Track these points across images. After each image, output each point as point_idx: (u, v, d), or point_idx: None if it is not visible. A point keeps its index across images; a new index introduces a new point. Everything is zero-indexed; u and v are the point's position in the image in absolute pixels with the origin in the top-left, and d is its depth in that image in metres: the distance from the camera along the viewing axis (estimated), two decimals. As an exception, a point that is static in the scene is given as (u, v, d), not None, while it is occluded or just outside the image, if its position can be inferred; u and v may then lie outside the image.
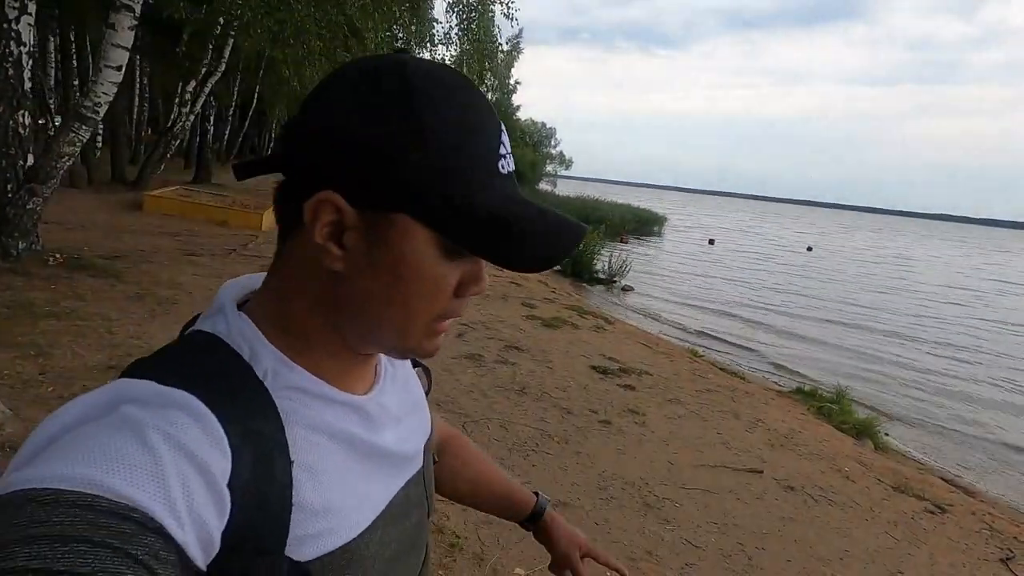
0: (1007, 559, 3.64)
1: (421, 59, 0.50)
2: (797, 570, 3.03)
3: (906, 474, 5.18)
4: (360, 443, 0.54)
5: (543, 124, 52.80)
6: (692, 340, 11.01)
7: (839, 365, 11.08)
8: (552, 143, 55.51)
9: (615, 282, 17.34)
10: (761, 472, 4.18)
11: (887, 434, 8.27)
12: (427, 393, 0.71)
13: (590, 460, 3.95)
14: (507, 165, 0.50)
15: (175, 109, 12.75)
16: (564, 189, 48.78)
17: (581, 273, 17.25)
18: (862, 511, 3.89)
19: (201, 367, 0.47)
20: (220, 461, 0.42)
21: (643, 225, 37.10)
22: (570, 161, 59.59)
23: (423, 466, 0.64)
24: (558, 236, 0.50)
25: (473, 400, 4.63)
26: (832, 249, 39.24)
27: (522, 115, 46.23)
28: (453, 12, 10.76)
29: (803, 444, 5.07)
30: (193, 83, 11.42)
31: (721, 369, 8.50)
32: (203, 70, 11.23)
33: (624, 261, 17.71)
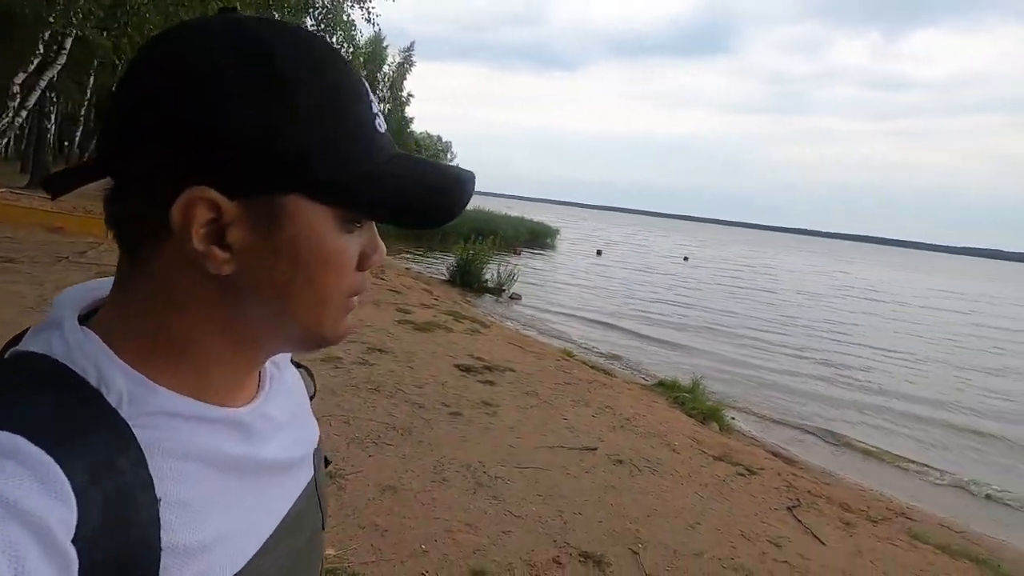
0: (792, 507, 4.20)
1: (266, 18, 0.44)
2: (606, 529, 3.31)
3: (733, 446, 5.80)
4: (243, 462, 0.48)
5: (438, 137, 52.99)
6: (571, 345, 11.54)
7: (703, 367, 12.17)
8: (448, 156, 55.74)
9: (503, 291, 17.74)
10: (595, 449, 4.50)
11: (733, 418, 9.19)
12: (312, 396, 0.67)
13: (431, 448, 4.03)
14: (382, 124, 0.47)
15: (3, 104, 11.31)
16: (461, 203, 49.03)
17: (470, 282, 17.45)
18: (679, 478, 4.31)
19: (31, 399, 0.39)
20: (61, 514, 0.35)
21: (537, 238, 38.28)
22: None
23: (315, 475, 0.60)
24: (455, 184, 0.47)
25: (319, 400, 4.54)
26: (706, 259, 42.98)
27: (416, 128, 46.12)
28: (308, 14, 10.59)
29: (643, 425, 5.50)
30: (22, 75, 10.19)
31: (591, 367, 8.98)
32: (35, 61, 10.07)
33: (513, 271, 18.16)
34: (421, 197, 0.46)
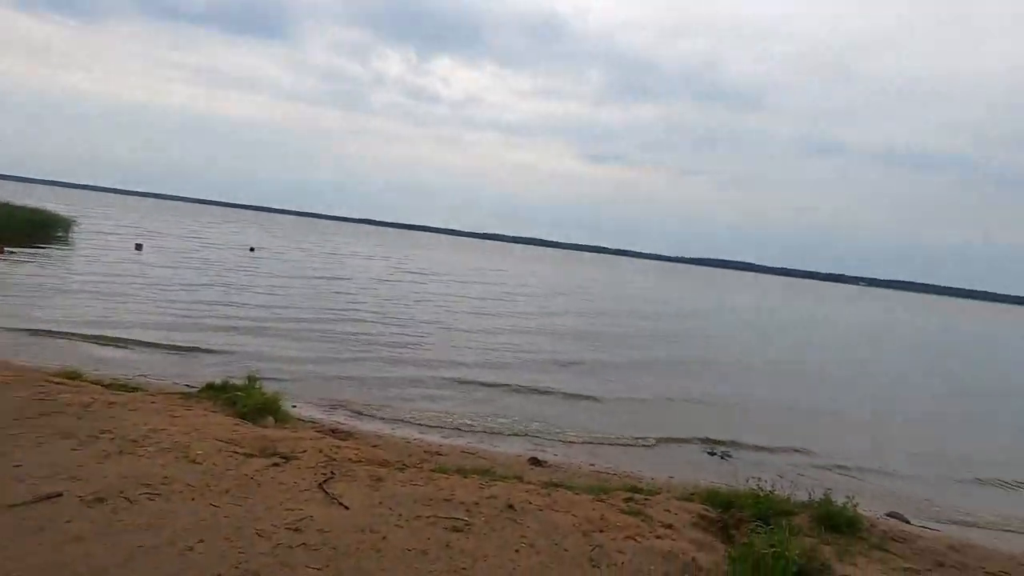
0: (325, 481, 4.12)
1: None
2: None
3: (275, 437, 5.42)
4: None
5: None
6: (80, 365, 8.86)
7: (274, 366, 11.38)
8: None
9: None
10: (60, 495, 3.32)
11: (295, 406, 8.94)
12: None
13: None
14: None
15: None
16: None
17: None
18: (192, 493, 3.62)
19: None
20: None
21: (37, 230, 28.80)
22: None
23: None
24: None
25: None
26: (275, 249, 41.50)
27: None
28: None
29: (158, 443, 4.49)
30: None
31: (104, 386, 7.05)
32: None
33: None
34: None
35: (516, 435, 8.62)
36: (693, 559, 3.90)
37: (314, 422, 7.98)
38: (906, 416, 13.71)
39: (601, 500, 4.91)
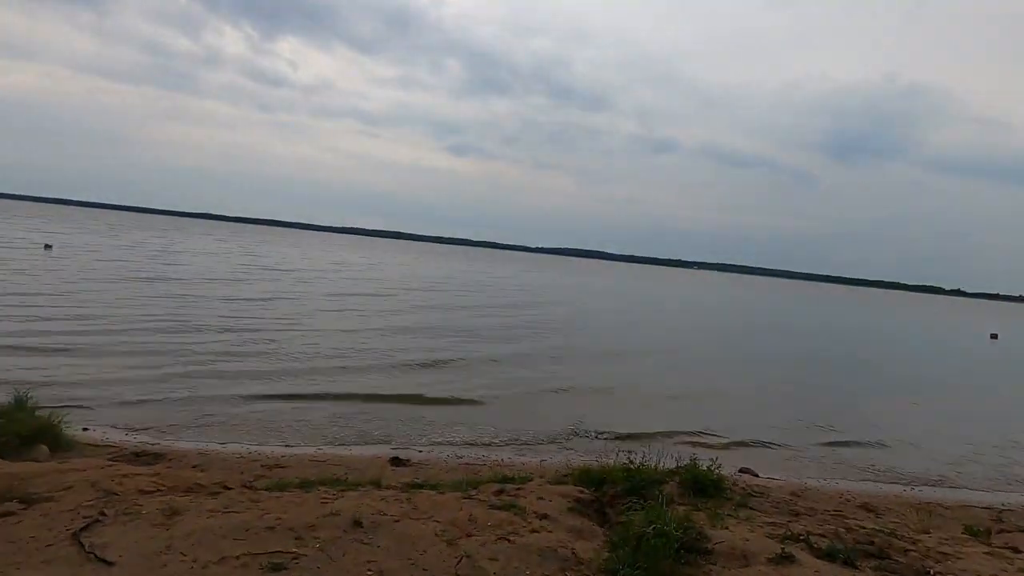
0: (83, 528, 2.96)
1: None
2: None
3: (27, 474, 3.99)
4: None
5: None
6: None
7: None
8: None
9: None
10: None
11: (86, 429, 7.10)
12: None
13: None
14: None
15: None
16: None
17: None
18: None
19: None
20: None
21: None
22: None
23: None
24: None
25: None
26: (77, 247, 34.79)
27: None
28: None
29: None
30: None
31: None
32: None
33: None
34: None
35: (379, 443, 7.63)
36: (573, 552, 3.44)
37: (112, 446, 6.34)
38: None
39: (469, 497, 4.29)
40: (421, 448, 7.39)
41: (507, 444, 7.92)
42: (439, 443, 7.68)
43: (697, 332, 25.57)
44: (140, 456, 6.08)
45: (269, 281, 27.41)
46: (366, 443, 7.43)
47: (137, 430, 7.35)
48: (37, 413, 7.05)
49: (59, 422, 6.56)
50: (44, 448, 5.81)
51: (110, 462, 5.17)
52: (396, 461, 6.69)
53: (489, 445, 7.81)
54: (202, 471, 5.85)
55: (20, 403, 7.01)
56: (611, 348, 17.60)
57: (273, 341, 13.17)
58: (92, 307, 15.19)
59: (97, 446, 6.31)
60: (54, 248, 31.89)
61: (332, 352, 12.69)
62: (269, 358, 11.55)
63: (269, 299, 20.58)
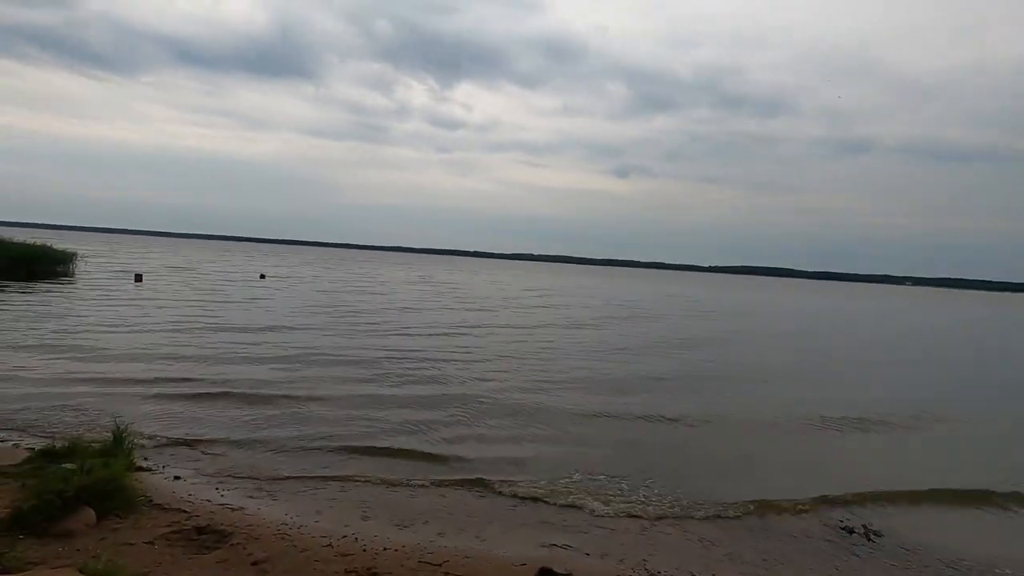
0: None
1: None
2: None
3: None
4: None
5: None
6: None
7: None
8: None
9: None
10: None
11: (177, 477, 5.80)
12: None
13: None
14: None
15: None
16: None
17: None
18: None
19: None
20: None
21: (34, 264, 27.12)
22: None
23: None
24: None
25: None
26: (281, 276, 39.07)
27: None
28: None
29: None
30: None
31: None
32: None
33: None
34: None
35: (528, 543, 5.14)
36: None
37: (182, 511, 4.79)
38: None
39: None
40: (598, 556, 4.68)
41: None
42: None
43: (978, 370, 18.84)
44: (203, 534, 4.40)
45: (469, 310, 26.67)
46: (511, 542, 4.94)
47: (241, 477, 5.86)
48: (134, 456, 5.99)
49: (128, 471, 5.26)
50: (90, 513, 4.40)
51: (152, 543, 3.46)
52: (547, 574, 4.12)
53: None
54: (263, 573, 3.91)
55: (117, 440, 6.00)
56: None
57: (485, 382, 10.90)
58: (304, 332, 15.39)
59: (165, 509, 4.80)
60: (266, 276, 36.12)
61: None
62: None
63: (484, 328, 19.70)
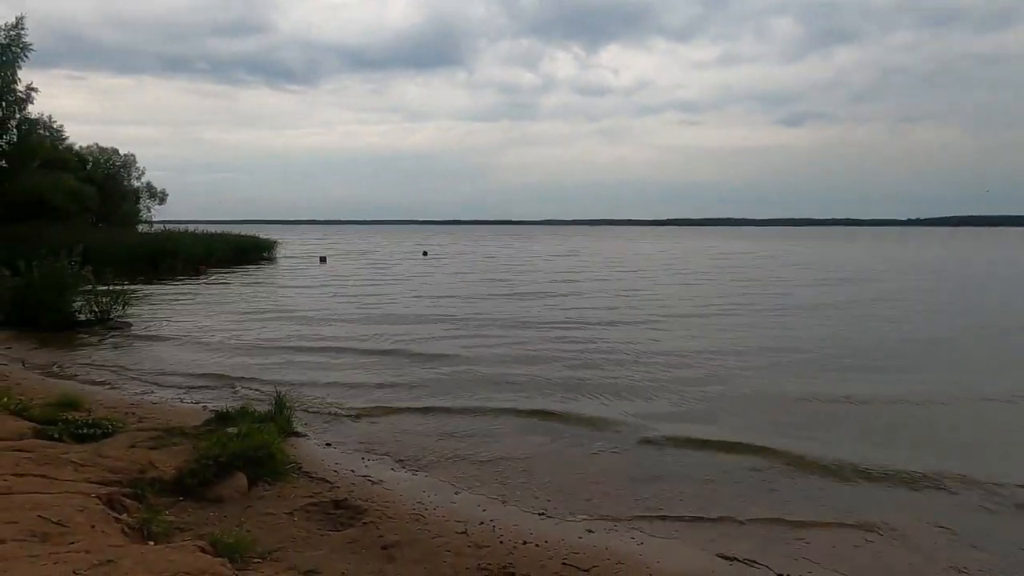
0: None
1: None
2: None
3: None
4: None
5: (114, 150, 41.68)
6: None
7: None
8: (134, 174, 44.47)
9: (108, 321, 12.26)
10: None
11: (328, 444, 5.85)
12: None
13: None
14: None
15: None
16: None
17: (36, 318, 11.48)
18: None
19: None
20: None
21: (245, 253, 32.29)
22: (163, 194, 48.25)
23: None
24: None
25: None
26: (442, 254, 41.28)
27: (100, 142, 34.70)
28: None
29: None
30: None
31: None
32: None
33: (121, 295, 12.74)
34: None
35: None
36: None
37: (326, 480, 4.72)
38: None
39: None
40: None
41: None
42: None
43: None
44: (339, 508, 4.23)
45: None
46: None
47: (387, 446, 5.76)
48: (294, 422, 6.23)
49: (284, 436, 5.37)
50: (242, 479, 4.47)
51: (291, 514, 3.33)
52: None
53: None
54: (391, 559, 3.56)
55: (279, 406, 6.27)
56: None
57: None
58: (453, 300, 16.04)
59: (312, 478, 4.77)
60: (428, 254, 38.50)
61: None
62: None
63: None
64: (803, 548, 3.87)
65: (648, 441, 5.83)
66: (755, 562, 3.69)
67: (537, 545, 3.79)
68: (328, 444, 5.76)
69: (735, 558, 3.74)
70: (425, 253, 39.50)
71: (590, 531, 4.07)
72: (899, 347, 10.43)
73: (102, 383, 7.92)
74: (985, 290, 20.72)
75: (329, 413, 6.76)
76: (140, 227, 36.93)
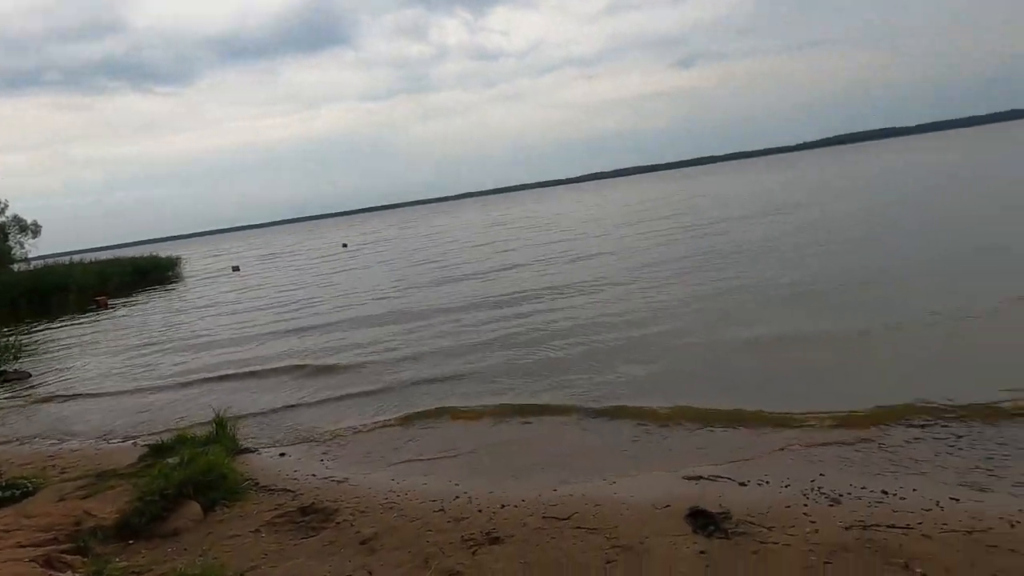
0: None
1: None
2: None
3: None
4: None
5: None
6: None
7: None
8: (-9, 211, 39.75)
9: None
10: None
11: (282, 455, 5.60)
12: None
13: None
14: None
15: None
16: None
17: None
18: None
19: None
20: None
21: (146, 276, 29.81)
22: (35, 226, 43.44)
23: None
24: None
25: None
26: (361, 244, 39.77)
27: None
28: None
29: None
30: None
31: None
32: None
33: (9, 346, 11.41)
34: None
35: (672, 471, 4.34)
36: None
37: (288, 490, 4.52)
38: None
39: None
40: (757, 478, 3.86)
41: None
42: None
43: None
44: (307, 514, 4.07)
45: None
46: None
47: (345, 445, 5.59)
48: (239, 440, 5.89)
49: (232, 456, 5.09)
50: (195, 507, 4.19)
51: (257, 531, 3.13)
52: (699, 516, 3.38)
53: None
54: (372, 552, 3.49)
55: (220, 426, 5.89)
56: None
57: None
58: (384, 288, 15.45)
59: (271, 491, 4.55)
60: (348, 246, 37.09)
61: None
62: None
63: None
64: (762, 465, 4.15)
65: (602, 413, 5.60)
66: (718, 476, 3.93)
67: (515, 506, 3.83)
68: (283, 454, 5.51)
69: (700, 476, 3.97)
70: (345, 245, 38.09)
71: (565, 482, 4.17)
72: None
73: (6, 441, 7.12)
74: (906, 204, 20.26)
75: (273, 435, 6.35)
76: (16, 266, 33.18)
